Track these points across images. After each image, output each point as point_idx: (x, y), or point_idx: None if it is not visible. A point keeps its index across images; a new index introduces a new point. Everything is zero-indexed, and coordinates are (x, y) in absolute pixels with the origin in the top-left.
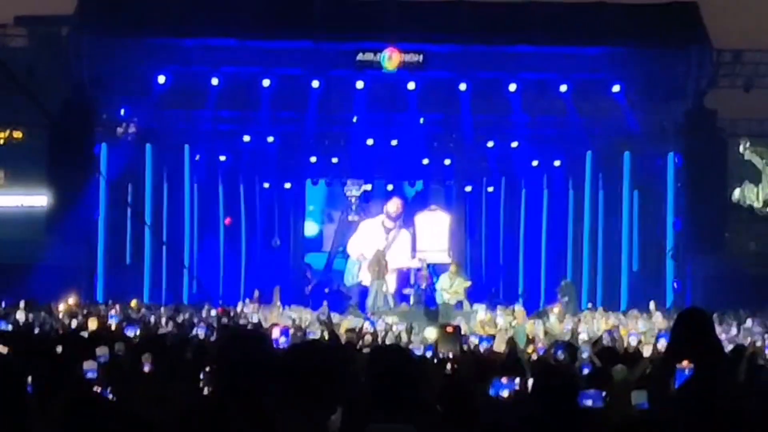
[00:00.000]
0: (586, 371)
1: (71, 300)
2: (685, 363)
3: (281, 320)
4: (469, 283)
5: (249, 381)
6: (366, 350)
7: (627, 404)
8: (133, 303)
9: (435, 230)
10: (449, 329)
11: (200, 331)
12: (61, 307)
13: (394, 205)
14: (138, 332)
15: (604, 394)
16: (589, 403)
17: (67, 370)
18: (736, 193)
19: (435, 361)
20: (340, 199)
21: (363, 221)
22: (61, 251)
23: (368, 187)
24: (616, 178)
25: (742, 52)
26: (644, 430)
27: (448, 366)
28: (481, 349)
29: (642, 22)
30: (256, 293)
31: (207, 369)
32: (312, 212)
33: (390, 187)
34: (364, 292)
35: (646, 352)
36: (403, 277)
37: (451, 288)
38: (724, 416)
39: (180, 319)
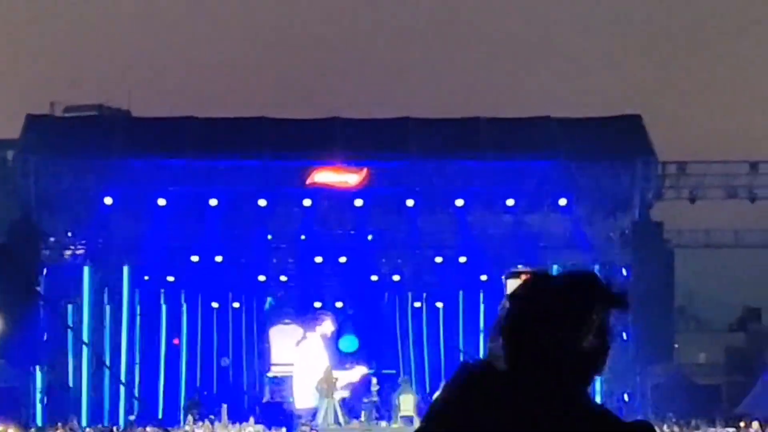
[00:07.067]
0: None
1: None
2: None
3: None
4: (417, 398)
5: None
6: None
7: None
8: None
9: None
10: None
11: None
12: None
13: (328, 325)
14: None
15: None
16: None
17: None
18: None
19: None
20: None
21: (299, 343)
22: (7, 374)
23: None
24: None
25: (686, 163)
26: None
27: None
28: None
29: (587, 136)
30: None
31: None
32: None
33: (339, 305)
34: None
35: None
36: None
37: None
38: None
39: None
